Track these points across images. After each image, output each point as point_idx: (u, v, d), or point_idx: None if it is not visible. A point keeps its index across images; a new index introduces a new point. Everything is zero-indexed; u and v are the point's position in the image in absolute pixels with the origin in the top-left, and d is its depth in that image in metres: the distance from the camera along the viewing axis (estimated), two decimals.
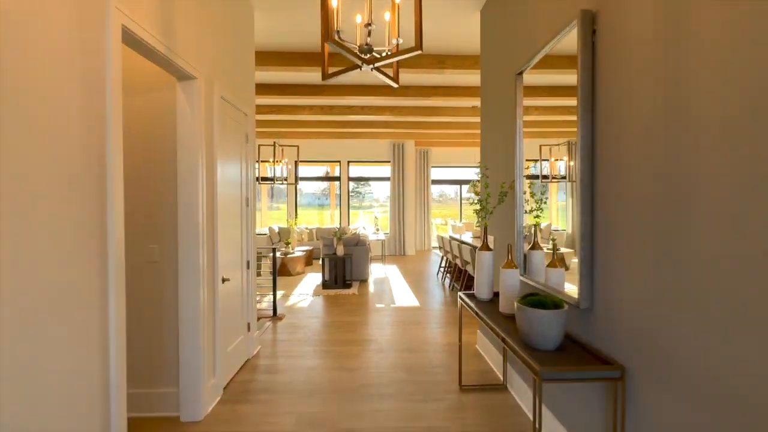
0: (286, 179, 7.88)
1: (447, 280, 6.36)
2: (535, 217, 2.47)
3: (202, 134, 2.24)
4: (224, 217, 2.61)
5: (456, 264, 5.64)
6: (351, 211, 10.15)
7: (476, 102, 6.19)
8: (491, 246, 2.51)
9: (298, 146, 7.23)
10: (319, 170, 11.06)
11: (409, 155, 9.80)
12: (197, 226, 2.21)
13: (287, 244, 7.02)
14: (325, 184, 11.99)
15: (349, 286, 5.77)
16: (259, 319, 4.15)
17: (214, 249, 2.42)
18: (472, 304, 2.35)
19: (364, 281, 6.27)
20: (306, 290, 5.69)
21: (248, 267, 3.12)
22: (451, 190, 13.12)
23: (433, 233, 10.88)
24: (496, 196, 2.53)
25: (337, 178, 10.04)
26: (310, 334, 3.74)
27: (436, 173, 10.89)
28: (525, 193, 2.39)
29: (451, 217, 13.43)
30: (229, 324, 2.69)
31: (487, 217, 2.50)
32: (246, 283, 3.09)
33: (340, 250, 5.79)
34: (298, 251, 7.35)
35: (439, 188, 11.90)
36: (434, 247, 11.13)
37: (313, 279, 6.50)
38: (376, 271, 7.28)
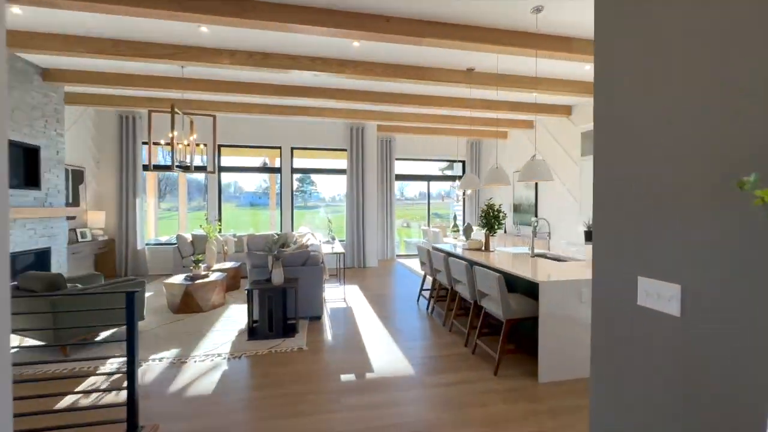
0: (203, 168, 5.52)
1: (433, 310, 4.50)
2: None
3: None
4: None
5: (457, 292, 3.80)
6: (295, 212, 7.93)
7: (477, 59, 4.37)
8: None
9: (214, 116, 4.90)
10: (256, 161, 8.66)
11: (370, 142, 7.84)
12: None
13: (197, 262, 4.66)
14: (267, 180, 9.63)
15: (292, 331, 3.65)
16: None
17: None
18: None
19: (316, 319, 4.18)
20: (219, 345, 3.45)
21: None
22: (411, 189, 11.41)
23: (395, 239, 9.06)
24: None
25: (278, 170, 7.75)
26: None
27: (399, 167, 9.09)
28: None
29: (408, 218, 11.72)
30: None
31: None
32: None
33: (278, 277, 3.63)
34: (217, 272, 5.02)
35: None
36: (399, 256, 9.33)
37: (236, 316, 4.25)
38: (333, 296, 5.22)
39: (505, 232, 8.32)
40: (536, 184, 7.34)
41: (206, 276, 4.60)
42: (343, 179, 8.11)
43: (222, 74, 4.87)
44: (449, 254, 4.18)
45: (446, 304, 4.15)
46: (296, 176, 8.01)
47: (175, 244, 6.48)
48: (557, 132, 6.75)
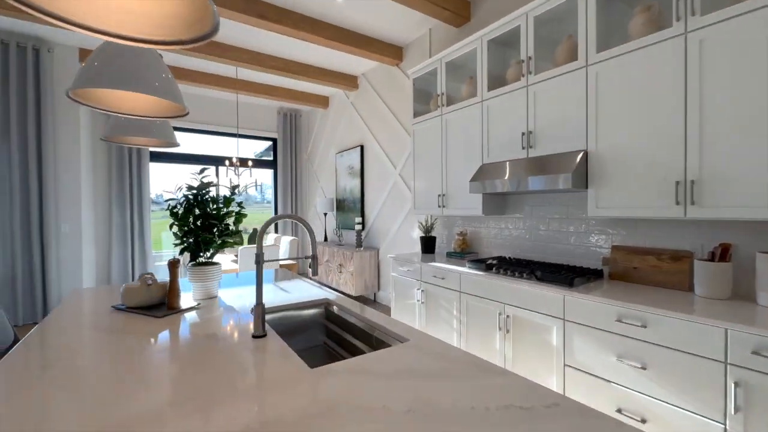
0: None
1: None
2: None
3: None
4: None
5: None
6: None
7: None
8: None
9: None
10: None
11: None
12: None
13: None
14: None
15: None
16: None
17: None
18: None
19: None
20: None
21: None
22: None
23: (150, 255, 5.27)
24: None
25: None
26: None
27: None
28: None
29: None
30: None
31: None
32: None
33: None
34: None
35: None
36: (142, 275, 5.45)
37: None
38: None
39: (326, 239, 5.60)
40: (362, 170, 4.88)
41: None
42: None
43: None
44: None
45: None
46: None
47: None
48: (385, 89, 4.45)
